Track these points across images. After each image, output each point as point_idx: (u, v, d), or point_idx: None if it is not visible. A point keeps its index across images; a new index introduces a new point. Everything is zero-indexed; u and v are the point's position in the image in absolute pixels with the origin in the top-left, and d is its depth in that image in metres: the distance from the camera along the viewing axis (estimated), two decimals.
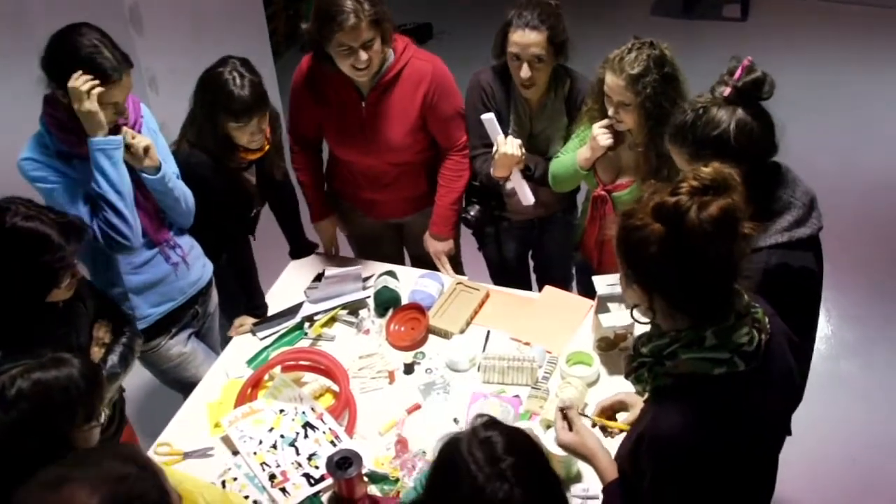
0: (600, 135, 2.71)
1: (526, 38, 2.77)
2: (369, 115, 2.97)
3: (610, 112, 2.65)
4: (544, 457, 1.57)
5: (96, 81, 2.36)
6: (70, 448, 1.84)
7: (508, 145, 2.84)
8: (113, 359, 2.51)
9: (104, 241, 2.53)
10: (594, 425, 2.08)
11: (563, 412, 2.00)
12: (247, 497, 2.37)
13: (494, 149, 2.89)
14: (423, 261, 3.35)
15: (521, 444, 1.52)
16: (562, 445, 1.99)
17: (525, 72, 2.81)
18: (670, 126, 2.21)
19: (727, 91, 2.11)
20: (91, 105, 2.37)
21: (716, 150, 2.09)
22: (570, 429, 1.97)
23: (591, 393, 2.60)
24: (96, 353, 2.49)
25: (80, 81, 2.34)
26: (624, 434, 1.97)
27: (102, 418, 1.99)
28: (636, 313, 1.73)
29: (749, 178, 2.14)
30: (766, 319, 1.71)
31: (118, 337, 2.57)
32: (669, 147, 2.22)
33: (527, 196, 2.97)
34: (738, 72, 2.12)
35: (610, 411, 2.13)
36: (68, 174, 2.48)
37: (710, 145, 2.09)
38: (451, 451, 1.51)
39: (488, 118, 2.86)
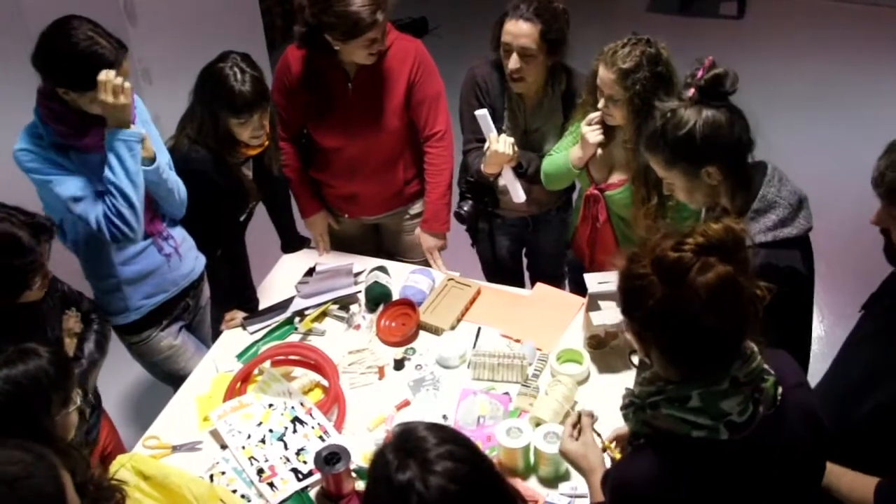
0: (589, 132, 2.71)
1: (518, 28, 2.77)
2: (356, 96, 2.97)
3: (600, 105, 2.65)
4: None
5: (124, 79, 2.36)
6: (49, 436, 1.82)
7: (500, 143, 2.84)
8: (89, 346, 2.52)
9: (109, 231, 2.50)
10: (604, 449, 2.03)
11: (578, 420, 1.96)
12: (234, 491, 2.37)
13: (486, 145, 2.88)
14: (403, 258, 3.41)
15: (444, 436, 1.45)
16: (563, 452, 1.98)
17: (513, 62, 2.81)
18: (644, 136, 2.21)
19: (692, 92, 2.12)
20: (126, 99, 2.37)
21: (686, 150, 2.10)
22: (579, 437, 1.95)
23: (581, 391, 2.60)
24: (69, 343, 2.48)
25: (111, 75, 2.34)
26: None
27: (78, 401, 1.98)
28: (633, 357, 1.68)
29: (728, 176, 2.16)
30: (777, 390, 1.60)
31: (89, 325, 2.57)
32: (647, 156, 2.23)
33: (518, 194, 2.97)
34: (700, 71, 2.13)
35: (623, 441, 2.05)
36: (65, 165, 2.47)
37: (680, 146, 2.10)
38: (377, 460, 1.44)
39: (482, 114, 2.86)
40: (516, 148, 2.88)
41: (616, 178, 2.81)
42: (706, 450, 1.55)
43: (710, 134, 2.08)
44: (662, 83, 2.51)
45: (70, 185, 2.47)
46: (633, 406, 1.64)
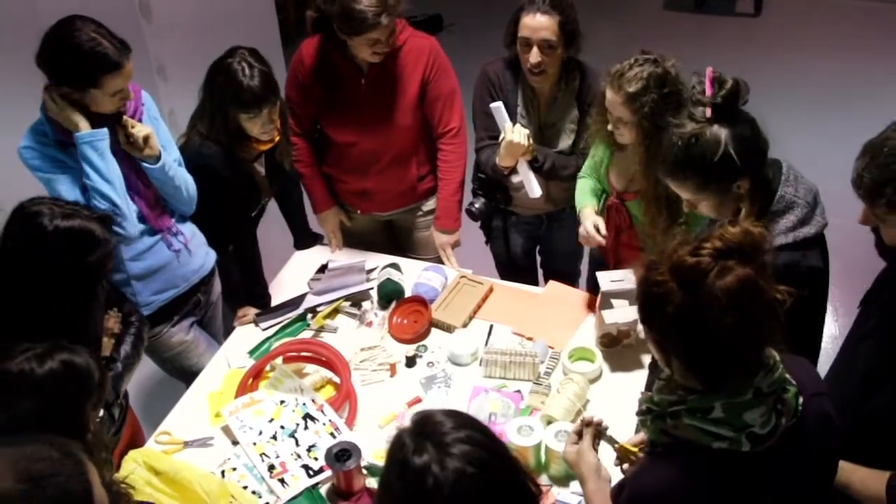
0: (587, 236, 2.79)
1: (537, 21, 2.76)
2: (369, 91, 2.97)
3: (609, 127, 2.63)
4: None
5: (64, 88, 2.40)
6: (85, 431, 1.85)
7: (515, 133, 2.83)
8: (126, 349, 2.51)
9: None
10: (621, 459, 1.98)
11: (582, 427, 1.94)
12: (245, 487, 2.37)
13: (501, 136, 2.87)
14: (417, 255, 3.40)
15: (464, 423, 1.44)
16: (563, 457, 1.97)
17: (535, 56, 2.80)
18: (665, 165, 2.16)
19: (708, 112, 2.07)
20: (63, 110, 2.41)
21: (724, 172, 2.06)
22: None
23: (593, 389, 2.59)
24: (107, 343, 2.48)
25: (51, 91, 2.40)
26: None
27: (101, 412, 1.99)
28: (663, 377, 1.63)
29: (753, 182, 2.13)
30: (799, 401, 1.58)
31: (127, 327, 2.58)
32: (672, 185, 2.18)
33: (534, 188, 2.95)
34: (709, 87, 2.07)
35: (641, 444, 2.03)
36: (66, 163, 2.48)
37: (717, 170, 2.06)
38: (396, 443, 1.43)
39: (496, 106, 2.85)
40: (532, 141, 2.87)
41: (635, 187, 2.80)
42: (727, 461, 1.52)
43: (742, 150, 2.04)
44: (670, 104, 2.45)
45: (71, 184, 2.50)
46: (651, 413, 1.62)
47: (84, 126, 2.44)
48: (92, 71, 2.34)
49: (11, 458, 1.25)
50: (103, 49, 2.33)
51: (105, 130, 2.48)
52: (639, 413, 1.67)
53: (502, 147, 2.89)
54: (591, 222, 2.80)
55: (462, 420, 1.43)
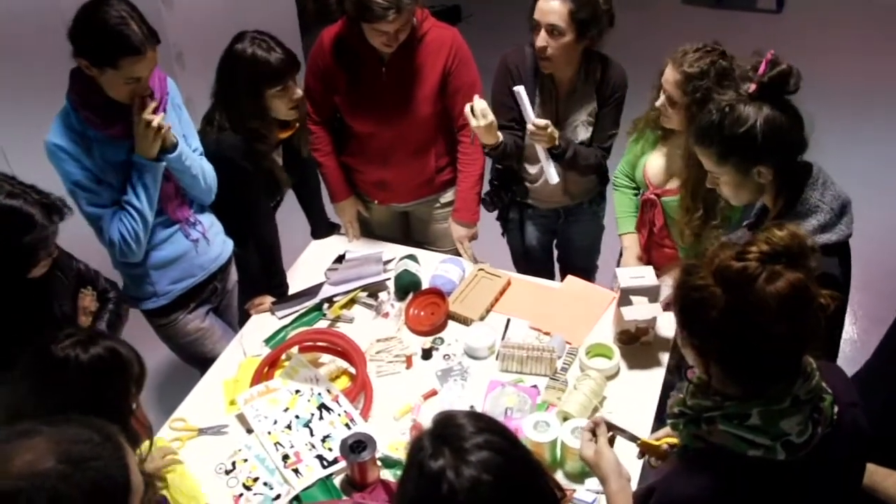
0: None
1: (547, 5, 2.75)
2: (389, 81, 2.95)
3: (658, 102, 2.63)
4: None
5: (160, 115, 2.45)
6: (127, 416, 1.87)
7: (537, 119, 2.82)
8: (101, 325, 2.52)
9: (121, 248, 2.59)
10: (642, 452, 1.98)
11: (595, 426, 1.92)
12: (256, 479, 2.37)
13: (526, 112, 2.84)
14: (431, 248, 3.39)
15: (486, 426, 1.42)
16: (581, 457, 1.94)
17: (541, 40, 2.79)
18: (695, 127, 2.16)
19: (752, 87, 2.06)
20: (156, 137, 2.49)
21: (743, 148, 2.05)
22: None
23: (611, 386, 2.57)
24: (84, 321, 2.49)
25: (150, 112, 2.45)
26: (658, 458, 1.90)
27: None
28: (696, 381, 1.60)
29: (777, 176, 2.10)
30: (834, 410, 1.56)
31: (104, 304, 2.58)
32: (696, 149, 2.18)
33: (552, 175, 2.93)
34: (763, 66, 2.07)
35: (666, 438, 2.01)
36: (91, 169, 2.48)
37: (738, 144, 2.05)
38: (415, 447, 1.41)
39: (518, 90, 2.82)
40: (553, 128, 2.84)
41: (674, 184, 2.78)
42: (761, 470, 1.50)
43: (769, 134, 2.03)
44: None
45: (96, 195, 2.52)
46: (684, 417, 1.59)
47: (153, 153, 2.51)
48: (113, 50, 2.32)
49: (53, 438, 1.25)
50: (128, 31, 2.31)
51: (163, 164, 2.56)
52: (670, 416, 1.65)
53: (528, 130, 2.86)
54: (634, 256, 2.93)
55: (483, 424, 1.41)
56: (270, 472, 2.39)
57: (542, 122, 2.80)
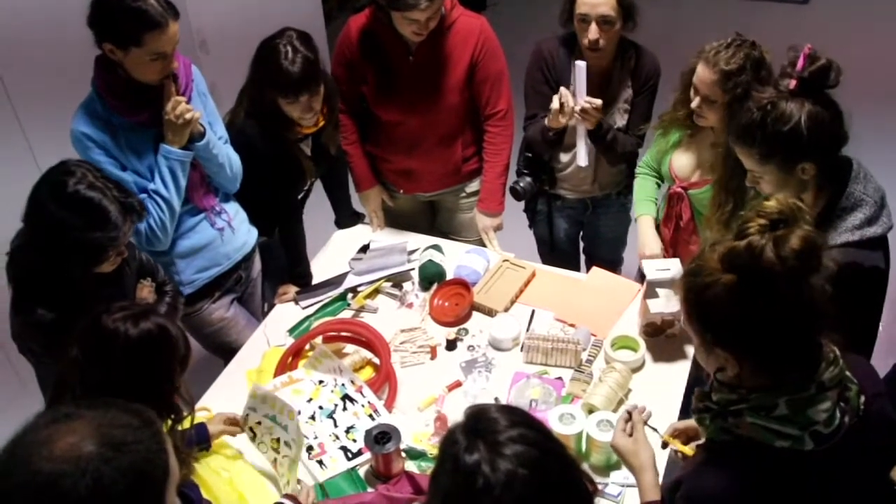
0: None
1: None
2: (417, 69, 2.94)
3: (693, 104, 2.58)
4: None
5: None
6: (172, 394, 1.89)
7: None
8: None
9: (148, 237, 2.59)
10: (664, 445, 1.99)
11: (629, 414, 1.93)
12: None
13: (580, 103, 2.81)
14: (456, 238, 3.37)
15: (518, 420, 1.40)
16: (614, 446, 1.93)
17: (593, 33, 2.76)
18: (735, 127, 2.12)
19: (792, 83, 2.02)
20: (187, 123, 2.48)
21: (788, 146, 2.01)
22: (631, 433, 1.91)
23: (636, 379, 2.55)
24: None
25: (179, 97, 2.47)
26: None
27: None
28: (720, 376, 1.58)
29: (820, 172, 2.07)
30: (861, 400, 1.54)
31: (161, 297, 2.58)
32: (737, 149, 2.14)
33: (582, 156, 2.93)
34: (801, 61, 2.02)
35: (683, 436, 2.01)
36: (117, 157, 2.48)
37: (782, 142, 2.01)
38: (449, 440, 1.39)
39: (580, 65, 2.76)
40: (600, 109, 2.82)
41: (700, 177, 2.76)
42: (789, 460, 1.49)
43: (814, 130, 1.99)
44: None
45: (110, 162, 2.50)
46: (710, 412, 1.58)
47: (183, 141, 2.52)
48: (134, 27, 2.31)
49: (94, 422, 1.25)
50: (146, 6, 2.30)
51: (191, 153, 2.56)
52: (695, 411, 1.63)
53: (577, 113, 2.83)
54: (651, 239, 2.89)
55: (517, 417, 1.39)
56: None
57: (598, 101, 2.78)
